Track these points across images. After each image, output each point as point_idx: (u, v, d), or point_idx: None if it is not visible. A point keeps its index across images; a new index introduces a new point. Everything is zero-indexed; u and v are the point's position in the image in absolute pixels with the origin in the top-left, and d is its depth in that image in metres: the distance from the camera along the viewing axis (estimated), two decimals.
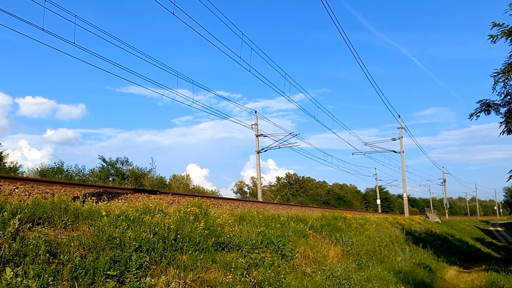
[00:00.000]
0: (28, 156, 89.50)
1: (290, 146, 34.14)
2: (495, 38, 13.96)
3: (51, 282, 4.55)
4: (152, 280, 5.49)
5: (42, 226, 5.65)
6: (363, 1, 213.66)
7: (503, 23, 13.82)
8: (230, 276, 6.54)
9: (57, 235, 5.51)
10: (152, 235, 6.47)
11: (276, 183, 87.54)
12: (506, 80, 14.54)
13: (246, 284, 6.78)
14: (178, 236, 6.91)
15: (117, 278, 5.20)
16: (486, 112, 15.96)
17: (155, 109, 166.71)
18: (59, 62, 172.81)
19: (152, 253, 6.07)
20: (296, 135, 34.77)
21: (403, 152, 40.61)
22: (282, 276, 7.55)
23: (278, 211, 14.83)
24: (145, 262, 5.76)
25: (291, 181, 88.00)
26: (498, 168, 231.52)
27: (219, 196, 32.82)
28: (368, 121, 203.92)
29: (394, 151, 41.38)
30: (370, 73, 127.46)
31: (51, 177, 26.91)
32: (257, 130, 34.21)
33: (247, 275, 6.99)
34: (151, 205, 7.98)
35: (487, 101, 15.82)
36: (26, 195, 7.39)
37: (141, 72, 40.93)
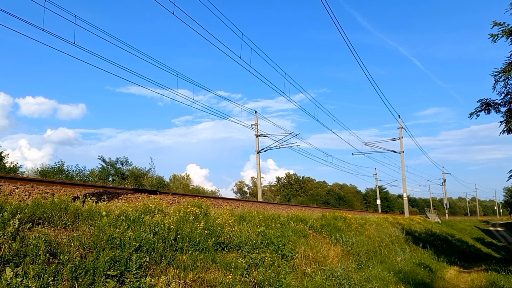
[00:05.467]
0: (28, 156, 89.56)
1: (290, 146, 34.16)
2: (495, 38, 13.96)
3: (51, 282, 4.54)
4: (152, 280, 5.48)
5: (42, 226, 5.65)
6: (362, 2, 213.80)
7: (504, 22, 13.83)
8: (230, 276, 6.53)
9: (57, 235, 5.50)
10: (152, 235, 6.46)
11: (276, 183, 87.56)
12: (507, 80, 14.55)
13: (246, 284, 6.78)
14: (178, 236, 6.90)
15: (117, 278, 5.20)
16: (486, 112, 15.98)
17: (155, 109, 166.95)
18: (59, 62, 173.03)
19: (152, 253, 6.06)
20: (296, 135, 34.82)
21: (403, 152, 40.62)
22: (282, 276, 7.55)
23: (278, 211, 14.82)
24: (145, 262, 5.76)
25: (291, 181, 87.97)
26: (498, 168, 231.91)
27: (219, 196, 32.81)
28: (368, 121, 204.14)
29: (394, 151, 41.41)
30: (370, 73, 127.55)
31: (51, 177, 26.91)
32: (257, 130, 34.20)
33: (247, 275, 6.99)
34: (151, 205, 7.97)
35: (488, 100, 15.84)
36: (26, 195, 7.39)
37: (141, 72, 40.96)
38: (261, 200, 30.13)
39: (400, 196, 76.48)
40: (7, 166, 26.92)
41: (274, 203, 24.32)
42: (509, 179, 16.24)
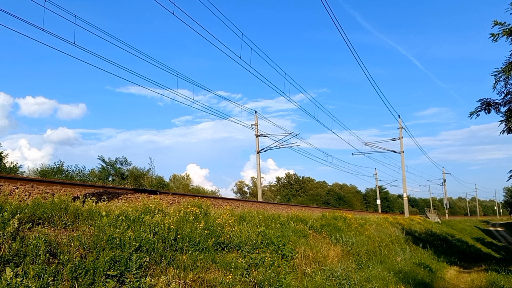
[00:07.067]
0: (28, 156, 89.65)
1: (290, 146, 34.17)
2: (496, 37, 13.95)
3: (51, 282, 4.54)
4: (152, 280, 5.48)
5: (42, 226, 5.65)
6: (362, 2, 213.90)
7: (504, 22, 13.82)
8: (230, 276, 6.53)
9: (57, 235, 5.50)
10: (152, 235, 6.46)
11: (276, 183, 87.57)
12: (507, 79, 14.55)
13: (246, 284, 6.77)
14: (178, 236, 6.90)
15: (117, 278, 5.20)
16: (486, 111, 16.00)
17: (155, 109, 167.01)
18: (59, 62, 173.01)
19: (152, 253, 6.06)
20: (296, 135, 34.85)
21: (403, 152, 40.63)
22: (282, 276, 7.55)
23: (278, 211, 14.82)
24: (145, 262, 5.76)
25: (291, 181, 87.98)
26: (498, 168, 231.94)
27: (219, 196, 32.81)
28: (368, 121, 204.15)
29: (394, 151, 41.43)
30: (370, 73, 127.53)
31: (51, 177, 26.90)
32: (257, 130, 34.20)
33: (247, 275, 6.98)
34: (151, 205, 7.97)
35: (488, 100, 15.85)
36: (26, 195, 7.38)
37: (141, 72, 40.97)
38: (261, 200, 30.13)
39: (400, 196, 76.48)
40: (7, 166, 26.93)
41: (274, 203, 24.32)
42: (509, 179, 16.27)
